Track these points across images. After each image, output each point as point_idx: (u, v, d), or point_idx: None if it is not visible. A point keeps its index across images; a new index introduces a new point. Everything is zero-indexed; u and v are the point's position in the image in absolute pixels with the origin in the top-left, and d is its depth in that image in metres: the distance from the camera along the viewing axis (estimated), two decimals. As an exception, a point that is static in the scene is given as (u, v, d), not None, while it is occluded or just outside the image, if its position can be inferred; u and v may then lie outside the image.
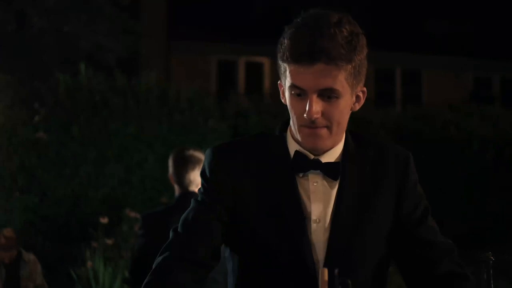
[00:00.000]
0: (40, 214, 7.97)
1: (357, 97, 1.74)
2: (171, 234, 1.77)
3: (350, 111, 1.74)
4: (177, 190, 3.98)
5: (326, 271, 1.41)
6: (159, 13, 15.28)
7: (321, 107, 1.65)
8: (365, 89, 1.75)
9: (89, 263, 6.74)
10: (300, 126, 1.69)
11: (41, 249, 7.26)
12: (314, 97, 1.64)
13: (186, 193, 3.87)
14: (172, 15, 15.53)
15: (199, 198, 1.78)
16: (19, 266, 5.39)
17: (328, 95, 1.65)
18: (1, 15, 10.15)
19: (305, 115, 1.65)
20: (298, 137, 1.72)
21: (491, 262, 1.53)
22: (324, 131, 1.68)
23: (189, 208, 1.79)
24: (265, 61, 15.42)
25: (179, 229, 1.75)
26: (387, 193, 1.75)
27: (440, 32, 17.65)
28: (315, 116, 1.64)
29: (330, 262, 1.68)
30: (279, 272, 1.70)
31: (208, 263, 1.73)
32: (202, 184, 1.80)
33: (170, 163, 4.00)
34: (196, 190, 3.84)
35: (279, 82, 1.75)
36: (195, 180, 3.86)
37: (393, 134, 10.85)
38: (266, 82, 15.33)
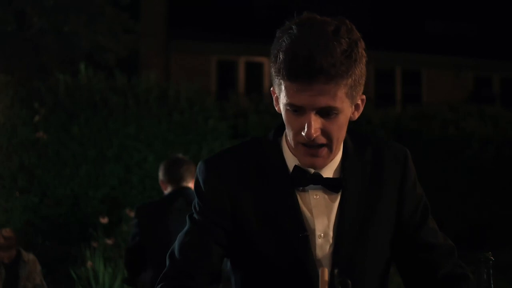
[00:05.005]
0: (40, 214, 7.96)
1: (356, 105, 1.65)
2: (167, 260, 1.70)
3: (350, 120, 1.67)
4: (169, 189, 4.02)
5: (326, 271, 1.40)
6: (159, 13, 15.28)
7: (319, 124, 1.57)
8: (364, 96, 1.66)
9: (89, 263, 6.74)
10: (298, 143, 1.62)
11: (41, 249, 7.26)
12: (313, 115, 1.56)
13: (180, 188, 3.94)
14: (172, 15, 15.53)
15: (195, 216, 1.71)
16: (18, 266, 5.40)
17: (327, 112, 1.56)
18: (1, 15, 10.15)
19: (303, 133, 1.57)
20: (296, 153, 1.66)
21: (491, 262, 1.52)
22: (323, 151, 1.61)
23: (184, 230, 1.72)
24: (265, 61, 15.41)
25: (176, 254, 1.69)
26: (388, 197, 1.72)
27: (440, 32, 17.65)
28: (313, 135, 1.56)
29: (332, 273, 1.64)
30: (283, 286, 1.66)
31: (210, 280, 1.69)
32: (197, 202, 1.72)
33: (161, 168, 4.08)
34: (189, 185, 3.92)
35: (271, 88, 1.67)
36: (184, 175, 3.98)
37: (393, 134, 10.85)
38: (266, 82, 15.31)
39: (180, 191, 3.94)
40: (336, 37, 1.53)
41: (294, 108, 1.58)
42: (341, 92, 1.55)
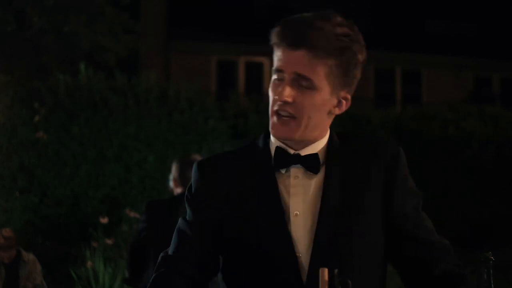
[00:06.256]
0: (40, 214, 7.97)
1: (339, 102, 1.72)
2: (160, 256, 1.78)
3: (331, 114, 1.73)
4: (179, 191, 4.01)
5: (326, 271, 1.41)
6: (159, 13, 15.28)
7: (294, 93, 1.65)
8: (349, 97, 1.73)
9: (89, 263, 6.74)
10: (272, 114, 1.71)
11: (41, 249, 7.26)
12: (289, 81, 1.66)
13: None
14: (172, 15, 15.53)
15: (186, 217, 1.80)
16: (18, 266, 5.40)
17: (303, 83, 1.65)
18: (1, 15, 10.15)
19: (276, 96, 1.67)
20: (271, 126, 1.73)
21: (491, 262, 1.53)
22: (291, 122, 1.68)
23: (176, 227, 1.81)
24: (265, 61, 15.42)
25: (169, 251, 1.77)
26: (375, 186, 1.73)
27: (440, 32, 17.65)
28: (285, 98, 1.65)
29: (315, 254, 1.68)
30: (264, 268, 1.70)
31: (202, 279, 1.75)
32: (187, 199, 1.81)
33: (175, 167, 4.06)
34: None
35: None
36: None
37: (393, 134, 10.85)
38: (266, 82, 15.31)
39: None
40: (333, 24, 1.64)
41: (278, 76, 1.69)
42: (320, 69, 1.64)
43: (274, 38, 1.68)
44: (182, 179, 4.01)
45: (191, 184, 1.82)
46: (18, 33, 10.47)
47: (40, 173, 8.04)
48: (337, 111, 1.73)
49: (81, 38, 10.37)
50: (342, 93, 1.71)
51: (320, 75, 1.64)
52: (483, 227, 11.10)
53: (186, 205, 1.81)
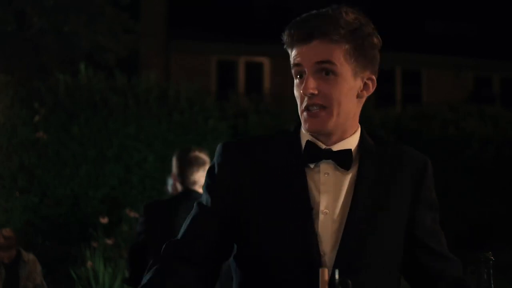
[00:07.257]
0: (40, 214, 7.97)
1: (365, 84, 1.71)
2: (166, 243, 1.75)
3: (360, 99, 1.72)
4: (179, 188, 4.00)
5: (326, 271, 1.40)
6: (159, 13, 15.28)
7: (317, 84, 1.65)
8: (374, 77, 1.73)
9: (89, 263, 6.74)
10: (302, 111, 1.69)
11: (41, 249, 7.26)
12: (311, 74, 1.66)
13: (190, 190, 3.90)
14: (172, 15, 15.53)
15: (203, 200, 1.75)
16: (18, 266, 5.40)
17: (326, 70, 1.65)
18: (1, 15, 10.15)
19: (301, 91, 1.66)
20: (303, 124, 1.71)
21: (491, 262, 1.53)
22: (322, 113, 1.66)
23: (191, 212, 1.76)
24: (265, 61, 15.41)
25: (180, 235, 1.74)
26: (402, 193, 1.73)
27: (440, 32, 17.65)
28: (310, 91, 1.64)
29: (341, 255, 1.66)
30: (284, 265, 1.67)
31: (210, 264, 1.71)
32: (206, 182, 1.76)
33: (174, 163, 4.02)
34: (200, 190, 3.87)
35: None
36: (199, 180, 3.89)
37: (393, 134, 10.85)
38: (266, 82, 15.31)
39: (190, 193, 3.90)
40: (340, 12, 1.67)
41: (297, 71, 1.69)
42: (338, 53, 1.65)
43: (286, 39, 1.69)
44: (183, 178, 3.96)
45: (212, 166, 1.77)
46: (18, 33, 10.47)
47: (40, 173, 8.04)
48: (365, 94, 1.72)
49: (81, 38, 10.37)
50: (366, 75, 1.71)
51: (339, 59, 1.65)
52: (483, 227, 11.09)
53: (204, 189, 1.77)
